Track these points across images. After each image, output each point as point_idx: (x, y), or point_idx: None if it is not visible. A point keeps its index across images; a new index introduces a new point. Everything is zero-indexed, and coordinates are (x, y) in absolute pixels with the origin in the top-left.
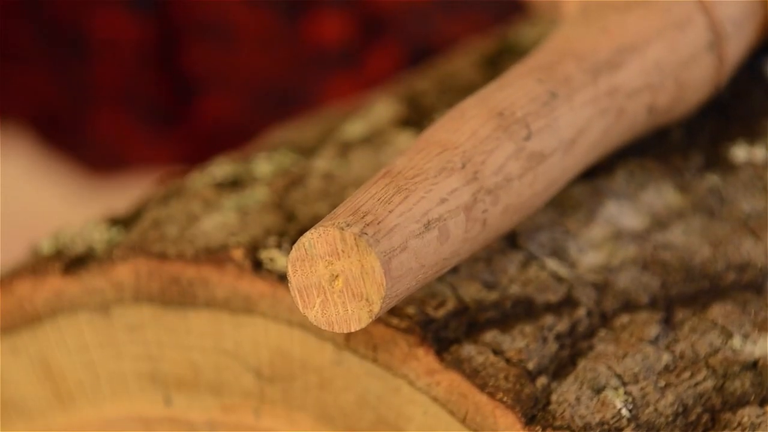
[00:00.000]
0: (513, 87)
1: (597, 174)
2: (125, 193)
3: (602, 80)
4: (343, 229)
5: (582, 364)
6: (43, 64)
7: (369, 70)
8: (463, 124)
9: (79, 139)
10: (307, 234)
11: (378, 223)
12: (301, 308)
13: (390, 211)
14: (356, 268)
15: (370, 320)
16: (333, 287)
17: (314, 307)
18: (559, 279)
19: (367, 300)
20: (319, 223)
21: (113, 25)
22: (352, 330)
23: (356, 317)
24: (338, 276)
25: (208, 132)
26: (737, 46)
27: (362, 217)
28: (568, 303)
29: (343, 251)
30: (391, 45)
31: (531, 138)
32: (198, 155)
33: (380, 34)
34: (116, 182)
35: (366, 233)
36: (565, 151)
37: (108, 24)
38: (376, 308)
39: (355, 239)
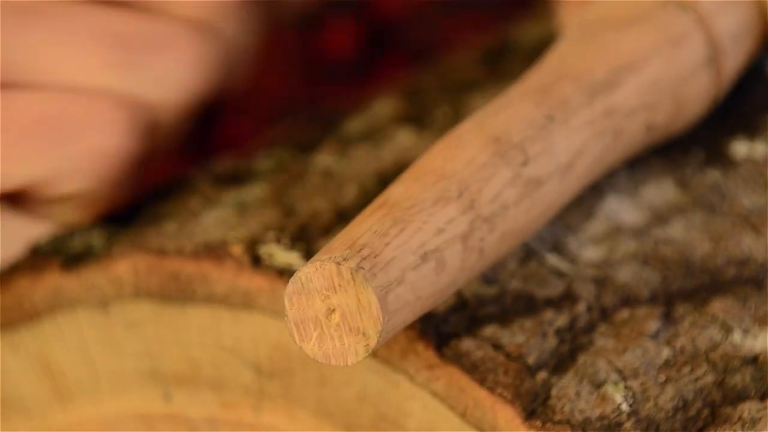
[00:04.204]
0: (510, 111)
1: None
2: None
3: (599, 101)
4: (339, 264)
5: (582, 358)
6: None
7: (375, 81)
8: (460, 151)
9: None
10: (304, 268)
11: (375, 257)
12: (297, 341)
13: (387, 244)
14: (353, 302)
15: (367, 354)
16: (330, 321)
17: (311, 340)
18: (559, 274)
19: (363, 334)
20: (316, 256)
21: None
22: (349, 364)
23: (353, 351)
24: (335, 310)
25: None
26: (735, 60)
27: (359, 251)
28: (568, 298)
29: (339, 285)
30: (396, 53)
31: (528, 164)
32: None
33: (385, 43)
34: None
35: (363, 267)
36: (562, 175)
37: None
38: (373, 342)
39: (351, 274)
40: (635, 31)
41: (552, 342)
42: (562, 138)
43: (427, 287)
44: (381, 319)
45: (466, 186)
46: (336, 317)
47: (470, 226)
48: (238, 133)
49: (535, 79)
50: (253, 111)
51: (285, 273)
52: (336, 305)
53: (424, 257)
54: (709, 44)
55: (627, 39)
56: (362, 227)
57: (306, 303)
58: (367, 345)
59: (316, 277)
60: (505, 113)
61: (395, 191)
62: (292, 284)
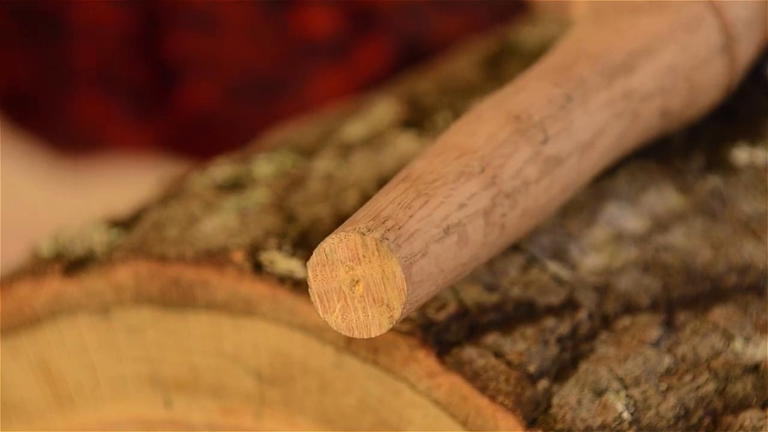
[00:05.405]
0: (529, 90)
1: (598, 176)
2: (101, 175)
3: (617, 83)
4: (364, 234)
5: (583, 366)
6: (18, 44)
7: (357, 64)
8: (481, 128)
9: (52, 120)
10: (328, 239)
11: (399, 228)
12: (321, 313)
13: (410, 216)
14: (377, 273)
15: (391, 326)
16: (353, 292)
17: (334, 312)
18: (560, 281)
19: (387, 305)
20: (340, 227)
21: (95, 7)
22: (373, 336)
23: (377, 322)
24: (359, 281)
25: (189, 118)
26: (748, 47)
27: (383, 222)
28: (570, 305)
29: (364, 256)
30: (381, 38)
31: (548, 142)
32: (178, 141)
33: (369, 27)
34: (92, 165)
35: (387, 238)
36: (582, 154)
37: (90, 6)
38: (397, 314)
39: (376, 244)
40: (650, 16)
41: (553, 350)
42: (581, 118)
43: (450, 260)
44: (406, 290)
45: (488, 162)
46: (360, 288)
47: (492, 201)
48: (201, 100)
49: (553, 61)
50: (217, 77)
51: (286, 280)
52: (360, 276)
53: (447, 230)
54: (723, 31)
55: (642, 23)
56: (385, 200)
57: (330, 274)
58: (391, 316)
59: (341, 248)
60: (525, 93)
61: (417, 165)
62: (316, 255)
